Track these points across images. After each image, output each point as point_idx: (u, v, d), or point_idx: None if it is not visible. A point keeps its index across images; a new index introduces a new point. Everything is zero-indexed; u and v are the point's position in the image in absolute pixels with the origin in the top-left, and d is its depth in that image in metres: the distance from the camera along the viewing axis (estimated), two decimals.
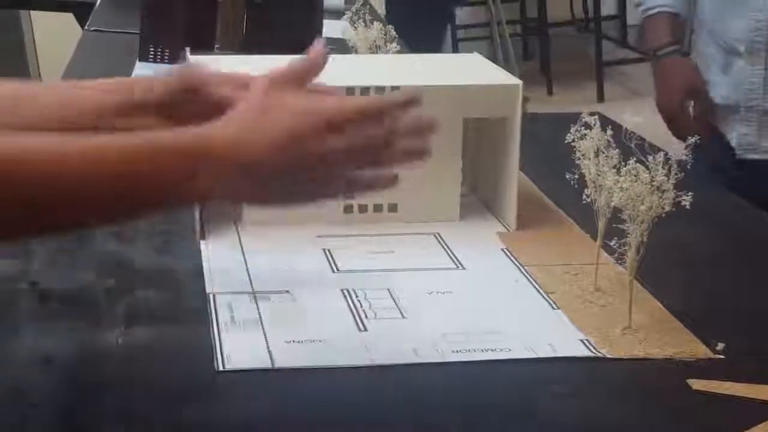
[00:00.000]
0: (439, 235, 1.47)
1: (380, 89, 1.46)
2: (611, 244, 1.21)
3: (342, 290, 1.30)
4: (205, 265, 1.36)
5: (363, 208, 1.50)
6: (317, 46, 1.11)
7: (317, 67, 1.09)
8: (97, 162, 0.96)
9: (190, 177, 0.97)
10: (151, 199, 0.99)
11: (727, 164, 1.99)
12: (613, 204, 1.20)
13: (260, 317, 1.23)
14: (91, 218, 1.00)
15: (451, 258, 1.41)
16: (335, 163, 1.02)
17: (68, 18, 3.76)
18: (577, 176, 1.26)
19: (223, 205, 1.01)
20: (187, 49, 1.63)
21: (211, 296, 1.27)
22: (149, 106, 1.11)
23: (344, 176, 1.04)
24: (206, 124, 1.00)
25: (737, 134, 1.98)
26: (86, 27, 2.94)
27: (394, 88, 1.46)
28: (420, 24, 4.10)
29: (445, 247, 1.44)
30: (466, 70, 1.61)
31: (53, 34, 3.28)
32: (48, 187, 0.94)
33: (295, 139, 0.99)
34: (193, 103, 1.10)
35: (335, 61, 1.74)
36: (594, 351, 1.17)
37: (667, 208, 1.17)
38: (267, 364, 1.13)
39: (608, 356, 1.16)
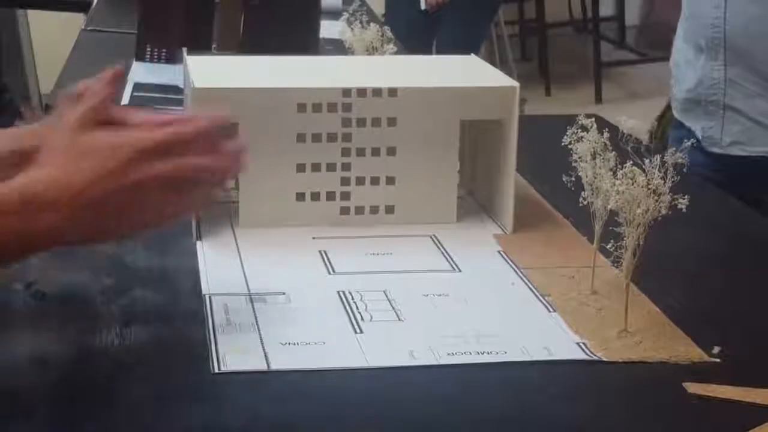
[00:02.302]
0: (436, 237, 1.47)
1: (377, 91, 1.46)
2: (608, 247, 1.21)
3: (338, 292, 1.30)
4: (201, 266, 1.36)
5: (359, 210, 1.50)
6: (105, 75, 1.11)
7: (110, 95, 1.11)
8: None
9: (30, 222, 1.02)
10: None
11: (695, 153, 2.00)
12: (609, 207, 1.20)
13: (256, 319, 1.22)
14: None
15: (447, 260, 1.41)
16: (151, 190, 1.06)
17: (65, 17, 3.76)
18: (574, 179, 1.26)
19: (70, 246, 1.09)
20: (184, 49, 1.62)
21: (206, 297, 1.27)
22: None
23: (164, 201, 1.08)
24: (25, 172, 1.05)
25: (701, 127, 2.00)
26: (83, 26, 2.94)
27: (390, 90, 1.46)
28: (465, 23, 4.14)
29: (442, 249, 1.44)
30: (463, 71, 1.61)
31: (50, 34, 3.27)
32: None
33: (110, 172, 1.04)
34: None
35: (333, 62, 1.75)
36: (590, 354, 1.17)
37: (664, 212, 1.17)
38: (263, 366, 1.13)
39: (604, 360, 1.16)
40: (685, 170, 1.17)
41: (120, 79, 1.12)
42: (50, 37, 3.25)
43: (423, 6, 4.22)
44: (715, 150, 1.98)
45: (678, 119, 2.09)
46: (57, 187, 1.03)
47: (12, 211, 1.02)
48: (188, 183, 1.09)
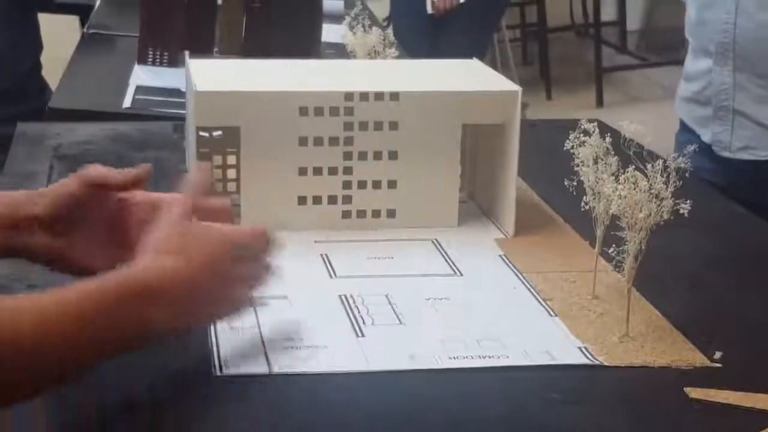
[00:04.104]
0: (437, 241, 1.47)
1: (379, 94, 1.46)
2: (609, 251, 1.21)
3: (339, 296, 1.30)
4: None
5: (361, 214, 1.50)
6: (200, 172, 1.22)
7: (208, 184, 1.21)
8: (55, 322, 0.97)
9: (148, 314, 1.03)
10: (116, 345, 1.02)
11: (702, 158, 1.99)
12: (611, 211, 1.20)
13: (258, 322, 1.22)
14: (57, 377, 0.99)
15: (449, 264, 1.41)
16: (236, 284, 1.13)
17: (68, 20, 3.76)
18: (575, 183, 1.26)
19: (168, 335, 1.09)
20: (186, 52, 1.62)
21: None
22: (34, 220, 1.17)
23: (240, 296, 1.14)
24: (142, 258, 1.06)
25: (711, 132, 1.99)
26: (85, 29, 2.94)
27: (392, 94, 1.46)
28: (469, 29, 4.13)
29: (443, 253, 1.44)
30: (465, 75, 1.61)
31: (51, 37, 3.27)
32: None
33: (215, 263, 1.10)
34: (86, 211, 1.18)
35: (335, 65, 1.75)
36: (591, 359, 1.17)
37: (666, 216, 1.17)
38: (264, 370, 1.13)
39: (606, 364, 1.16)
40: (687, 175, 1.17)
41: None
42: (51, 40, 3.24)
43: (429, 10, 4.20)
44: (725, 155, 1.98)
45: (686, 123, 2.08)
46: (171, 279, 1.05)
47: (128, 300, 1.02)
48: (253, 282, 1.15)
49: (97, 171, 1.20)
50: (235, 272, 1.12)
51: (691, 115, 2.06)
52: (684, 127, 2.10)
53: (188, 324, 1.09)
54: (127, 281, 1.03)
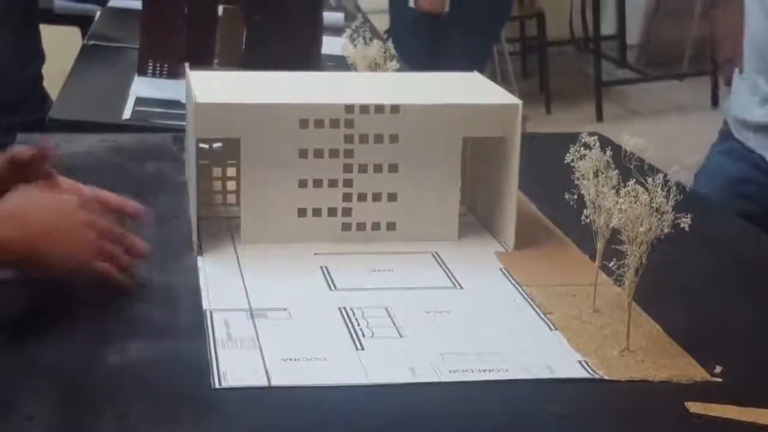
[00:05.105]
0: (437, 254, 1.47)
1: (379, 107, 1.46)
2: (610, 265, 1.21)
3: (339, 308, 1.30)
4: (202, 281, 1.35)
5: (361, 226, 1.50)
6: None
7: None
8: None
9: None
10: None
11: (742, 167, 1.97)
12: (612, 225, 1.20)
13: (257, 335, 1.22)
14: None
15: (449, 277, 1.40)
16: (89, 232, 1.29)
17: (70, 32, 3.76)
18: (576, 197, 1.26)
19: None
20: (186, 64, 1.62)
21: (207, 313, 1.27)
22: None
23: (101, 248, 1.30)
24: None
25: None
26: (85, 40, 2.94)
27: (393, 107, 1.46)
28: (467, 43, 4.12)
29: (443, 266, 1.44)
30: (466, 88, 1.61)
31: (51, 48, 3.27)
32: None
33: (59, 204, 1.30)
34: (9, 185, 1.34)
35: (335, 78, 1.75)
36: (592, 373, 1.17)
37: (666, 230, 1.16)
38: (263, 382, 1.13)
39: (606, 378, 1.16)
40: (687, 188, 1.17)
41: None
42: (53, 52, 3.24)
43: (411, 4, 4.15)
44: None
45: (731, 134, 2.05)
46: (11, 205, 1.27)
47: None
48: (115, 239, 1.32)
49: (18, 152, 1.38)
50: (81, 216, 1.29)
51: (765, 143, 2.02)
52: (724, 138, 2.06)
53: (33, 248, 1.25)
54: None
